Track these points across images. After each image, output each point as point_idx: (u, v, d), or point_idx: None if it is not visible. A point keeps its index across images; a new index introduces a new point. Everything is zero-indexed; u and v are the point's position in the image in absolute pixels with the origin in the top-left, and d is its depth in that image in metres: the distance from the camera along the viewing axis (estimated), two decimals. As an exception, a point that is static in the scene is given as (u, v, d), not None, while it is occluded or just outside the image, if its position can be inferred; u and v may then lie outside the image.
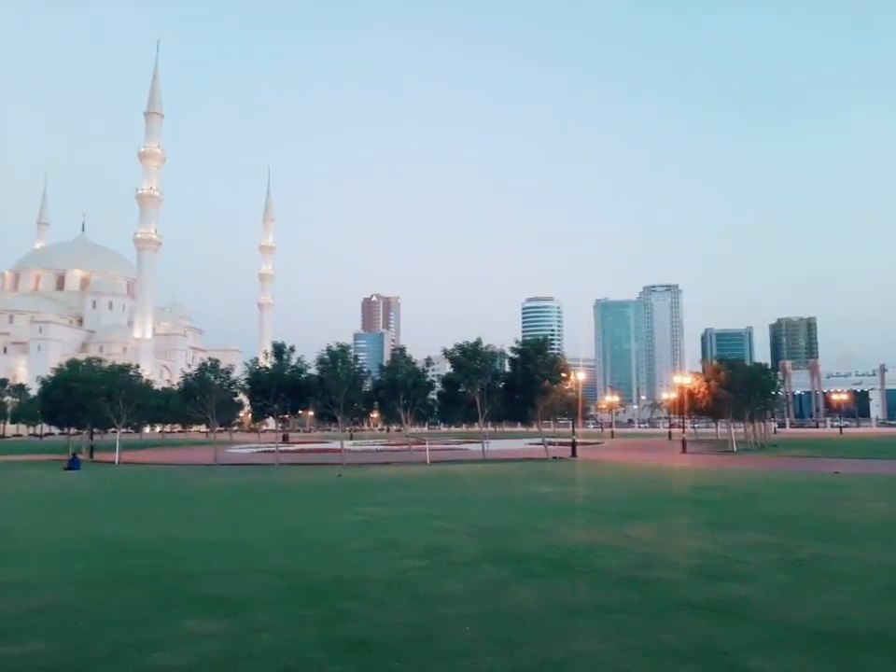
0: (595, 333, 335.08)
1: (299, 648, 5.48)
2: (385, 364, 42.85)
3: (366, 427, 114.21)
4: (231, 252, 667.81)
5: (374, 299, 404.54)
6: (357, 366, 38.61)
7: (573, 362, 56.36)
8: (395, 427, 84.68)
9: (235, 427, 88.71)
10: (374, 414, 58.98)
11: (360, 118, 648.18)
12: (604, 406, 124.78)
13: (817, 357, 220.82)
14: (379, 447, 54.19)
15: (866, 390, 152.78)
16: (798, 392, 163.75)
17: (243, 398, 43.89)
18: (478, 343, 35.93)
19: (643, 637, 5.67)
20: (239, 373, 40.59)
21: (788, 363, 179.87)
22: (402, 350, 42.58)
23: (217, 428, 44.20)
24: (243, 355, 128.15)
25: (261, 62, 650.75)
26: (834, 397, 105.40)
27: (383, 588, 7.56)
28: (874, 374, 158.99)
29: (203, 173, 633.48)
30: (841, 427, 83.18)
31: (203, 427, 74.97)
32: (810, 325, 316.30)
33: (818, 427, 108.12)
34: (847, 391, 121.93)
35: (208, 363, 38.93)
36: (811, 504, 14.94)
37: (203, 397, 37.24)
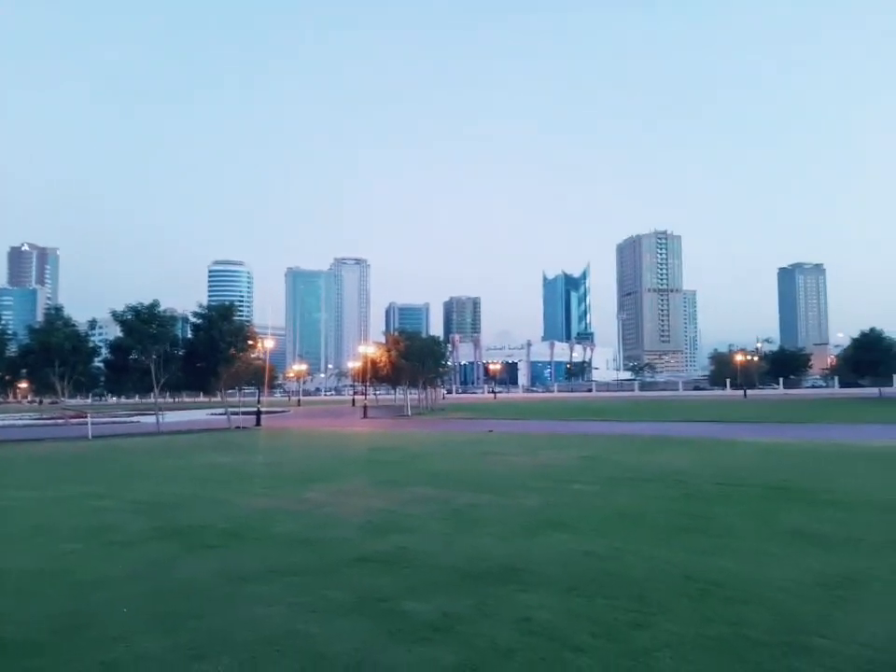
0: (286, 302, 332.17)
1: None
2: (36, 325, 36.83)
3: (11, 398, 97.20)
4: None
5: (25, 248, 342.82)
6: (-4, 325, 32.48)
7: (262, 330, 55.24)
8: (49, 399, 73.54)
9: None
10: (23, 384, 50.53)
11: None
12: (292, 375, 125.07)
13: (479, 332, 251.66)
14: (27, 422, 46.63)
15: (516, 361, 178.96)
16: (464, 362, 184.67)
17: None
18: (154, 305, 32.81)
19: (312, 596, 5.81)
20: None
21: (457, 336, 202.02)
22: (59, 309, 37.08)
23: None
24: None
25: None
26: (491, 367, 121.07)
27: (30, 578, 6.56)
28: (522, 348, 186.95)
29: None
30: (495, 393, 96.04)
31: None
32: (476, 304, 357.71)
33: (476, 393, 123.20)
34: (502, 362, 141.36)
35: None
36: (468, 459, 16.92)
37: None
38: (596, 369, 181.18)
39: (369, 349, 52.00)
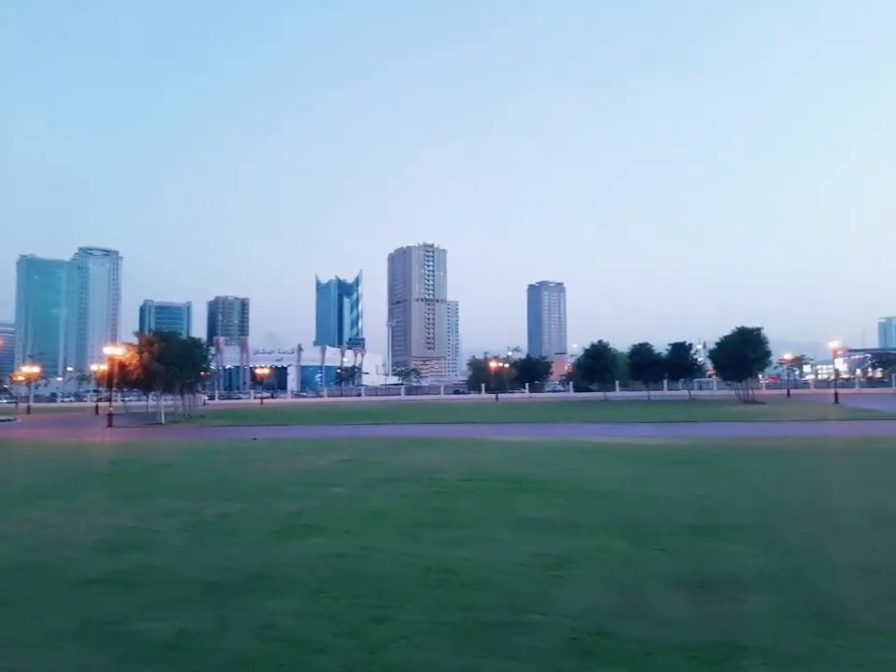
0: (17, 294, 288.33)
1: None
2: None
3: None
4: None
5: None
6: None
7: (-21, 326, 47.18)
8: None
9: None
10: None
11: None
12: (21, 378, 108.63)
13: (247, 335, 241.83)
14: None
15: (286, 366, 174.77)
16: (229, 366, 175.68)
17: None
18: None
19: (21, 628, 5.12)
20: None
21: (222, 339, 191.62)
22: None
23: None
24: None
25: None
26: (259, 371, 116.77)
27: None
28: (293, 352, 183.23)
29: None
30: (262, 399, 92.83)
31: None
32: (244, 304, 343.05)
33: (241, 399, 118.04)
34: (270, 366, 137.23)
35: None
36: (223, 468, 16.14)
37: None
38: (367, 374, 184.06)
39: (117, 350, 47.07)
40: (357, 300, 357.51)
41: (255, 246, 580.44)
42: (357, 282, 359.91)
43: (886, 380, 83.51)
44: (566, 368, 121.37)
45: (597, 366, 70.26)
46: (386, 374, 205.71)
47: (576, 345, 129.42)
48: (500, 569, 6.49)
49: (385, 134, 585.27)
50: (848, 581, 5.92)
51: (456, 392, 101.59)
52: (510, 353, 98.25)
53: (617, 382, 76.75)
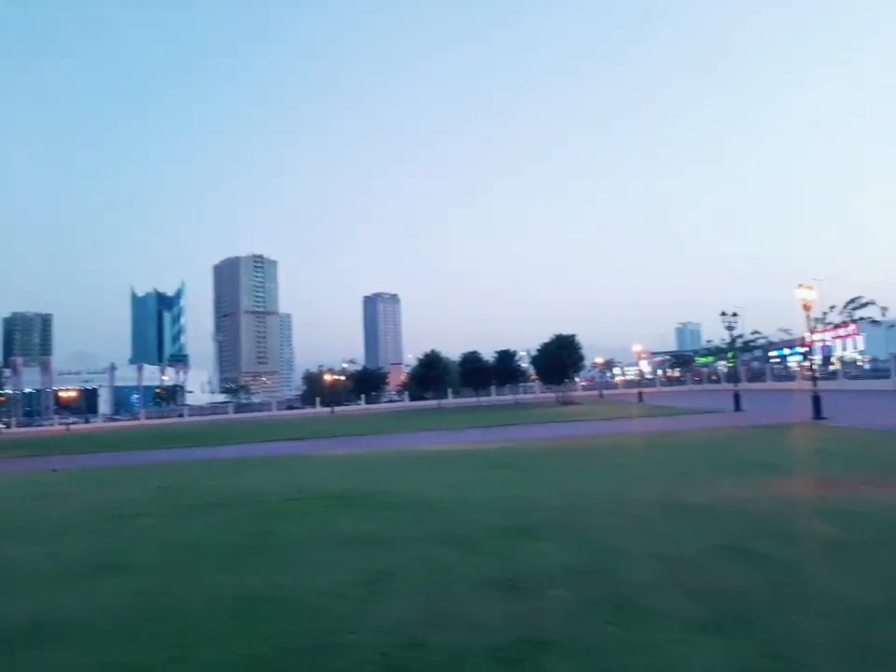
0: None
1: None
2: None
3: None
4: None
5: None
6: None
7: None
8: None
9: None
10: None
11: None
12: None
13: (51, 354, 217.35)
14: None
15: (96, 387, 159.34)
16: (29, 390, 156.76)
17: None
18: None
19: None
20: None
21: (19, 359, 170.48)
22: None
23: None
24: None
25: None
26: (63, 394, 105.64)
27: None
28: (104, 372, 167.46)
29: None
30: (68, 425, 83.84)
31: None
32: (46, 320, 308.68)
33: (44, 426, 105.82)
34: (78, 388, 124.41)
35: None
36: (11, 504, 14.28)
37: None
38: (190, 392, 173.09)
39: None
40: (180, 313, 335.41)
41: (60, 258, 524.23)
42: (178, 294, 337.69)
43: (682, 378, 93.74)
44: (402, 378, 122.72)
45: (431, 375, 71.91)
46: (213, 392, 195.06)
47: (411, 356, 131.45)
48: (317, 591, 6.29)
49: (207, 137, 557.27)
50: (641, 570, 6.44)
51: (290, 407, 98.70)
52: (345, 365, 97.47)
53: (450, 390, 79.01)
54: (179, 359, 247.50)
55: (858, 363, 67.00)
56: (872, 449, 15.27)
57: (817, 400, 23.59)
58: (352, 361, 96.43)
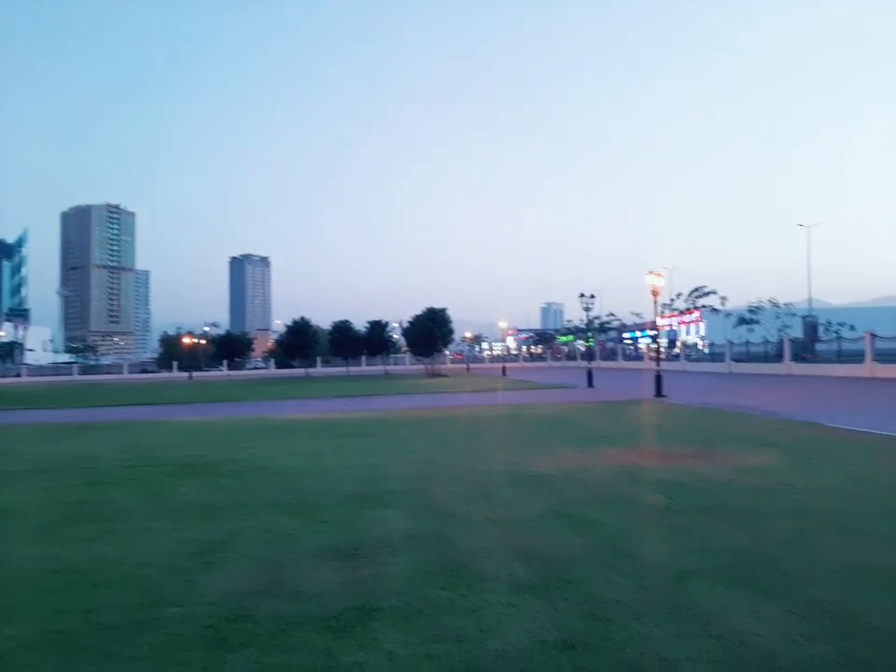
0: None
1: None
2: None
3: None
4: None
5: None
6: None
7: None
8: None
9: None
10: None
11: None
12: None
13: None
14: None
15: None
16: None
17: None
18: None
19: None
20: None
21: None
22: None
23: None
24: None
25: None
26: None
27: None
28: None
29: None
30: None
31: None
32: None
33: None
34: None
35: None
36: None
37: None
38: (31, 350, 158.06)
39: None
40: (21, 263, 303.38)
41: None
42: (20, 242, 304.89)
43: (544, 355, 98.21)
44: (269, 344, 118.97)
45: (299, 342, 70.18)
46: (56, 351, 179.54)
47: (279, 322, 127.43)
48: (143, 563, 5.92)
49: (56, 75, 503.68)
50: (479, 536, 6.63)
51: (144, 371, 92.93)
52: (207, 328, 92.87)
53: (319, 358, 77.68)
54: (19, 314, 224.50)
55: (699, 347, 73.08)
56: (700, 424, 16.74)
57: (659, 379, 25.50)
58: (214, 325, 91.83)
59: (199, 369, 76.78)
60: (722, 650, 3.96)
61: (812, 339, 51.51)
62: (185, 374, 73.30)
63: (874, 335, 34.76)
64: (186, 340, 79.98)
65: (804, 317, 59.55)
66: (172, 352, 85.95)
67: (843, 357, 38.88)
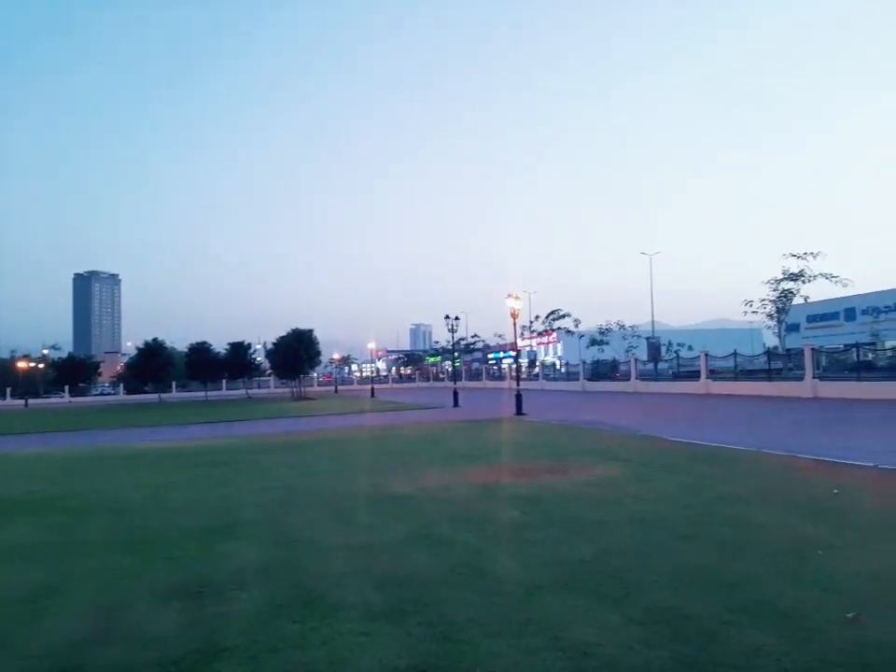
0: None
1: None
2: None
3: None
4: None
5: None
6: None
7: None
8: None
9: None
10: None
11: None
12: None
13: None
14: None
15: None
16: None
17: None
18: None
19: None
20: None
21: None
22: None
23: None
24: None
25: None
26: None
27: None
28: None
29: None
30: None
31: None
32: None
33: None
34: None
35: None
36: None
37: None
38: None
39: None
40: None
41: None
42: None
43: (412, 376, 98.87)
44: (118, 368, 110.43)
45: (152, 365, 65.72)
46: None
47: (130, 344, 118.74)
48: (-50, 619, 5.23)
49: None
50: (336, 562, 6.48)
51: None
52: (46, 351, 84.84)
53: (174, 383, 73.24)
54: None
55: (557, 367, 76.78)
56: (555, 440, 17.50)
57: (519, 398, 26.48)
58: (54, 347, 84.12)
59: (37, 395, 69.84)
60: (567, 661, 4.12)
61: (655, 358, 55.87)
62: (20, 402, 66.35)
63: (707, 354, 38.22)
64: (21, 364, 72.52)
65: (647, 339, 64.53)
66: (5, 377, 77.51)
67: (680, 375, 42.45)
